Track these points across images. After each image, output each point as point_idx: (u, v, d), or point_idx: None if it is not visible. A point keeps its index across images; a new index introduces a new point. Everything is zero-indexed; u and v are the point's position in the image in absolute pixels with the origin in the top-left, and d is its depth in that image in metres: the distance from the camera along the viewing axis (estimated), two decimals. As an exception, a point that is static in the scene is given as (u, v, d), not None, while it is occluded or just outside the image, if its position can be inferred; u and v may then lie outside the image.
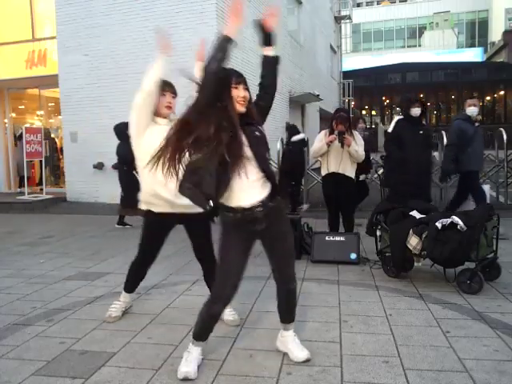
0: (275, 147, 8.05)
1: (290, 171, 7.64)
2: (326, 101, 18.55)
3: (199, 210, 2.32)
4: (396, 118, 5.43)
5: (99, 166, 9.98)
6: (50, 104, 12.46)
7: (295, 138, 7.86)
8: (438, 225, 3.74)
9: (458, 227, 3.68)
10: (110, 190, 9.50)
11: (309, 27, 16.90)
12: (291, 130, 7.97)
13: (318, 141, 5.15)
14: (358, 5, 50.94)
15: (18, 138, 11.41)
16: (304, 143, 8.08)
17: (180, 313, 3.45)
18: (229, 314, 3.14)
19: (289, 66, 13.59)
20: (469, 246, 3.67)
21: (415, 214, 4.15)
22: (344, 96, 24.09)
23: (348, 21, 24.42)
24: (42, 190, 10.80)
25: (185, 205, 2.63)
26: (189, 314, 3.37)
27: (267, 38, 2.40)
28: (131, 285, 3.34)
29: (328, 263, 4.73)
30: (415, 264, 4.16)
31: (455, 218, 3.73)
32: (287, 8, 14.01)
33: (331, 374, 2.47)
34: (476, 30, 49.69)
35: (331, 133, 5.06)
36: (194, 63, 2.99)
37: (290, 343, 2.66)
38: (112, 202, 9.31)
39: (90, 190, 10.25)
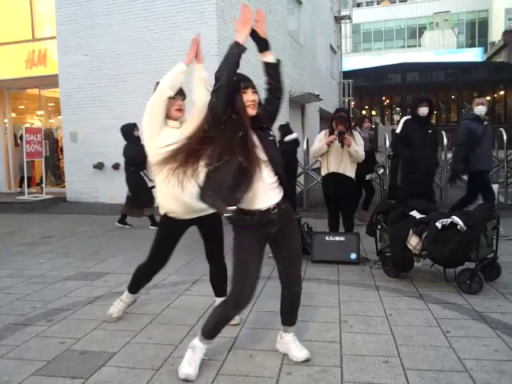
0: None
1: (284, 171, 7.55)
2: (325, 101, 18.53)
3: (213, 210, 2.34)
4: (404, 118, 5.42)
5: (99, 166, 9.98)
6: (49, 104, 12.45)
7: (288, 137, 7.69)
8: (438, 225, 3.75)
9: (458, 227, 3.69)
10: (110, 190, 9.53)
11: (309, 27, 16.89)
12: (284, 129, 7.81)
13: (318, 141, 5.16)
14: (358, 5, 50.87)
15: (20, 138, 11.39)
16: (297, 143, 7.98)
17: (180, 313, 3.45)
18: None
19: (289, 66, 13.57)
20: (469, 245, 3.67)
21: (415, 213, 4.15)
22: (344, 96, 24.07)
23: (348, 21, 24.39)
24: (41, 188, 10.79)
25: (202, 209, 2.66)
26: (189, 314, 3.38)
27: (262, 44, 2.41)
28: (136, 286, 3.31)
29: (328, 263, 4.74)
30: (415, 264, 4.16)
31: (455, 218, 3.73)
32: (287, 8, 13.97)
33: (331, 373, 2.48)
34: (476, 30, 49.62)
35: (331, 133, 5.06)
36: (194, 64, 2.98)
37: (290, 343, 2.66)
38: (112, 202, 9.33)
39: (89, 190, 10.25)
